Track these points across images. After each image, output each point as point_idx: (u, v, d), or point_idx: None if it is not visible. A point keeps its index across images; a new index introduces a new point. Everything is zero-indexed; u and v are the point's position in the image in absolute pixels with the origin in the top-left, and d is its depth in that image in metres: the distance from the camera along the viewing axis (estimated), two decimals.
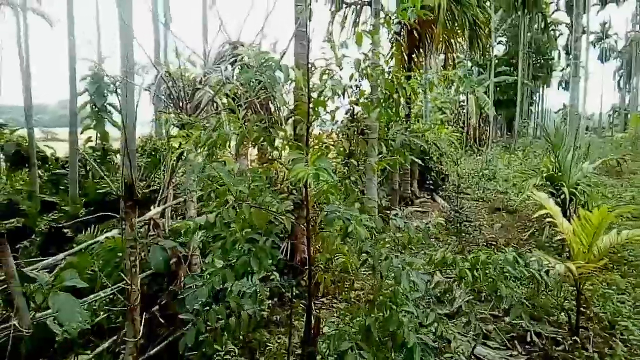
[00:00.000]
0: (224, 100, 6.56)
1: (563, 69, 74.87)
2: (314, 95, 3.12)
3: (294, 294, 7.48)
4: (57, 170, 15.22)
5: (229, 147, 3.34)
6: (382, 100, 3.21)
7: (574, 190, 10.32)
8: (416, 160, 3.74)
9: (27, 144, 15.09)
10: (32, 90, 14.75)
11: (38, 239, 11.43)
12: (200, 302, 3.16)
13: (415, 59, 15.81)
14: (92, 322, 5.08)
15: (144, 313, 5.28)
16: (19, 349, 3.93)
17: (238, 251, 2.86)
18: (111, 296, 5.73)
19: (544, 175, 10.43)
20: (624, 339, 6.36)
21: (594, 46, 72.49)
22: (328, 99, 3.66)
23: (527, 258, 3.17)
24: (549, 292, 7.85)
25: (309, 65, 3.02)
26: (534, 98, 67.49)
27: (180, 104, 6.26)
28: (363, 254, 2.98)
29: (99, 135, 17.44)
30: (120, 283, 5.29)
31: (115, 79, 13.48)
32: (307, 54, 3.11)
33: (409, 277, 2.70)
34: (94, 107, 17.17)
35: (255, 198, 2.93)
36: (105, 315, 5.19)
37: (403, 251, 3.13)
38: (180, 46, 8.14)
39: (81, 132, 16.11)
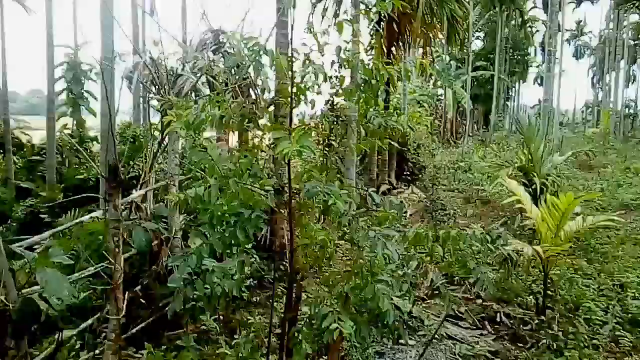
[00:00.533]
0: (206, 86, 6.67)
1: (539, 65, 76.10)
2: (298, 79, 3.27)
3: (275, 276, 7.68)
4: (33, 157, 15.06)
5: (215, 127, 3.47)
6: (360, 86, 3.37)
7: (545, 181, 10.70)
8: (393, 142, 3.94)
9: (1, 130, 14.88)
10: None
11: (14, 225, 11.35)
12: (185, 275, 3.30)
13: (395, 52, 16.05)
14: (78, 298, 5.18)
15: (126, 292, 5.41)
16: (5, 323, 4.02)
17: (225, 224, 3.01)
18: (91, 278, 5.83)
19: (517, 166, 10.79)
20: (587, 318, 6.71)
21: (569, 44, 73.98)
22: (310, 87, 3.81)
23: (494, 235, 3.39)
24: (519, 277, 8.20)
25: (292, 50, 3.17)
26: (511, 93, 68.53)
27: (163, 90, 6.35)
28: (342, 228, 3.16)
29: (75, 122, 17.28)
30: (102, 263, 5.39)
31: (93, 65, 13.40)
32: (290, 37, 3.26)
33: (384, 248, 2.89)
34: (70, 94, 17.00)
35: (242, 175, 3.08)
36: (87, 293, 5.28)
37: (379, 227, 3.32)
38: (162, 34, 8.19)
39: (57, 119, 15.96)
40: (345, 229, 3.19)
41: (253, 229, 3.03)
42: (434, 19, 14.19)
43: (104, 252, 5.33)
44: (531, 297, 7.45)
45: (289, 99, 3.16)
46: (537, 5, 57.85)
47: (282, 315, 4.35)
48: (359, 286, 3.06)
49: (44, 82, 13.22)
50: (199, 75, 6.16)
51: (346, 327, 2.70)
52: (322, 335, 2.80)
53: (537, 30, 65.14)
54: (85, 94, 17.46)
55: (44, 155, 14.41)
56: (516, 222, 11.28)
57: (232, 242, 3.01)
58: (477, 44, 52.92)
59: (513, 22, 50.72)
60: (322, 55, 3.20)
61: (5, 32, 14.78)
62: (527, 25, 57.37)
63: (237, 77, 6.82)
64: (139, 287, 5.90)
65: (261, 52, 2.99)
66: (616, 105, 54.54)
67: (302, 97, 3.60)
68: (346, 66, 3.28)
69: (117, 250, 5.04)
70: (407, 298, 3.22)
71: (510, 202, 15.06)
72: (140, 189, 6.25)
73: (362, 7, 13.70)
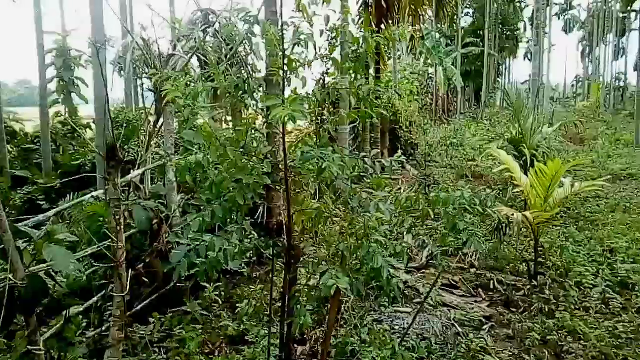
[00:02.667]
0: (198, 67, 6.74)
1: (529, 40, 75.88)
2: (288, 51, 3.37)
3: (272, 253, 7.85)
4: (27, 146, 15.05)
5: (209, 99, 3.58)
6: (349, 55, 3.48)
7: (535, 152, 10.88)
8: (383, 112, 4.06)
9: None
10: None
11: (13, 212, 11.43)
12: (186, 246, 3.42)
13: (384, 29, 16.07)
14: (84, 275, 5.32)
15: (129, 270, 5.55)
16: (14, 300, 4.15)
17: (224, 189, 3.14)
18: (93, 260, 5.96)
19: (507, 138, 10.95)
20: (578, 282, 6.94)
21: (558, 17, 73.76)
22: (300, 59, 3.91)
23: (481, 196, 3.54)
24: (511, 245, 8.42)
25: (281, 21, 3.26)
26: (501, 69, 68.53)
27: (155, 69, 6.41)
28: (336, 192, 3.30)
29: (67, 109, 17.24)
30: (104, 242, 5.52)
31: (82, 52, 13.34)
32: (280, 5, 3.35)
33: (376, 207, 3.04)
34: (61, 81, 16.93)
35: (238, 143, 3.19)
36: (90, 271, 5.43)
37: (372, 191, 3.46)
38: (151, 14, 8.18)
39: (49, 107, 15.93)
40: (338, 193, 3.33)
41: (251, 194, 3.15)
42: None
43: (105, 231, 5.46)
44: (523, 264, 7.67)
45: (280, 69, 3.27)
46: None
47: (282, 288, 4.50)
48: (353, 245, 3.21)
49: (31, 73, 13.20)
50: (189, 54, 6.23)
51: (342, 282, 2.85)
52: (320, 291, 2.95)
53: (526, 5, 64.92)
54: (76, 81, 17.39)
55: (37, 144, 14.41)
56: (508, 194, 11.49)
57: (232, 207, 3.14)
58: (466, 20, 52.69)
59: None
60: (311, 26, 3.30)
61: None
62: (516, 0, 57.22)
63: (227, 55, 6.88)
64: (141, 264, 6.03)
65: (253, 22, 3.08)
66: (605, 78, 54.80)
67: (293, 73, 3.71)
68: (335, 36, 3.38)
69: (118, 228, 5.18)
70: (400, 260, 3.37)
71: (502, 176, 15.42)
72: (137, 168, 6.35)
73: None
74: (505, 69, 71.37)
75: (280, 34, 3.16)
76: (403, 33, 3.98)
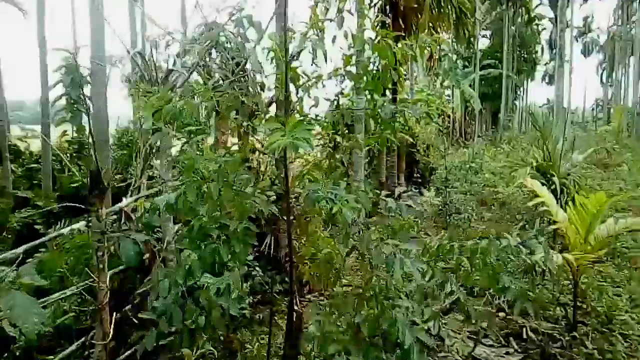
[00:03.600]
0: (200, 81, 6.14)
1: (547, 63, 75.30)
2: (295, 64, 2.76)
3: (278, 290, 7.13)
4: (32, 165, 14.62)
5: (202, 117, 2.95)
6: (368, 67, 2.85)
7: (565, 181, 10.07)
8: (405, 135, 3.40)
9: None
10: (9, 87, 14.15)
11: (10, 236, 10.89)
12: (165, 300, 2.76)
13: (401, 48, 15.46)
14: (54, 323, 4.67)
15: (115, 313, 4.89)
16: None
17: (208, 239, 2.48)
18: (83, 295, 5.33)
19: (534, 165, 10.17)
20: (624, 333, 6.09)
21: (577, 40, 72.95)
22: (309, 79, 3.30)
23: (531, 245, 2.83)
24: (544, 286, 7.58)
25: (287, 31, 2.64)
26: (518, 92, 67.72)
27: (153, 86, 5.82)
28: (350, 240, 2.62)
29: (75, 128, 16.87)
30: (87, 281, 4.88)
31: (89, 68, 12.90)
32: (284, 12, 2.73)
33: (403, 266, 2.34)
34: (69, 99, 16.59)
35: (226, 176, 2.55)
36: (69, 316, 4.76)
37: (394, 238, 2.77)
38: (156, 29, 7.66)
39: (56, 126, 15.55)
40: (354, 240, 2.65)
41: (240, 245, 2.49)
42: (441, 10, 13.58)
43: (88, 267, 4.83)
44: (559, 308, 6.83)
45: (283, 87, 2.63)
46: (543, 2, 57.05)
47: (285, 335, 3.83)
48: (373, 315, 2.51)
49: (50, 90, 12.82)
50: (191, 70, 5.63)
51: None
52: None
53: (544, 28, 64.43)
54: (85, 99, 17.06)
55: (42, 163, 13.97)
56: (535, 226, 10.65)
57: (216, 259, 2.47)
58: (483, 42, 52.17)
59: (519, 19, 50.00)
60: (322, 32, 2.67)
61: (4, 37, 14.39)
62: (534, 22, 56.66)
63: (234, 71, 6.29)
64: (129, 306, 5.36)
65: (248, 24, 2.45)
66: (627, 102, 53.54)
67: (304, 91, 3.09)
68: (352, 42, 2.74)
69: (101, 266, 4.53)
70: (428, 329, 2.66)
71: (526, 202, 14.55)
72: (130, 196, 5.73)
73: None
74: (522, 91, 70.51)
75: (284, 39, 2.52)
76: (423, 49, 3.43)
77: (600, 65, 75.20)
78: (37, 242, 4.72)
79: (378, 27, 13.70)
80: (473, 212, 12.88)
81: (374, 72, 2.98)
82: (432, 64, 17.53)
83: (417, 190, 17.61)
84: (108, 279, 4.66)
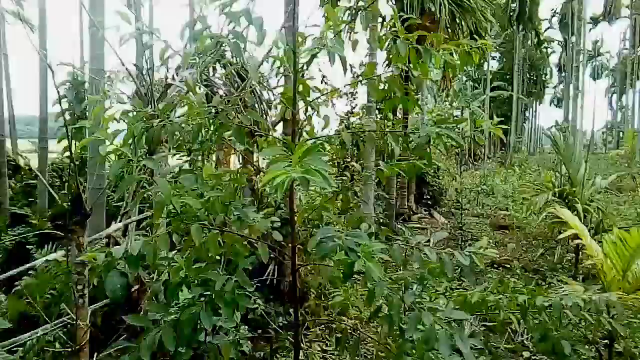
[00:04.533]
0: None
1: (555, 86, 75.05)
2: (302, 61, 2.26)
3: (282, 324, 6.54)
4: (30, 181, 14.17)
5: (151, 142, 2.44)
6: (395, 76, 2.35)
7: (588, 207, 9.48)
8: (437, 164, 2.88)
9: None
10: (21, 101, 13.83)
11: (1, 256, 10.38)
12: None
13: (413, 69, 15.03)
14: None
15: (96, 354, 4.35)
16: None
17: (188, 298, 1.96)
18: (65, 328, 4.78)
19: (556, 191, 9.59)
20: None
21: (586, 64, 72.67)
22: (322, 93, 2.79)
23: (600, 305, 2.28)
24: (572, 322, 6.94)
25: (296, 35, 2.15)
26: (527, 114, 67.37)
27: (150, 102, 5.35)
28: (376, 302, 2.07)
29: (77, 144, 16.48)
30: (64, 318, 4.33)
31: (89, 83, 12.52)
32: (293, 18, 2.24)
33: (451, 342, 1.78)
34: (73, 114, 16.23)
35: (215, 213, 2.03)
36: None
37: (421, 283, 2.23)
38: (157, 42, 7.27)
39: (58, 142, 15.13)
40: (380, 303, 2.10)
41: (230, 309, 1.95)
42: (456, 31, 13.16)
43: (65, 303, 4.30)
44: (591, 347, 6.19)
45: (292, 98, 2.12)
46: (552, 26, 56.93)
47: None
48: None
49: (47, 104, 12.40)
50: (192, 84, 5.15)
51: None
52: None
53: (553, 51, 64.34)
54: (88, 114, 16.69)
55: (38, 180, 13.50)
56: (556, 255, 10.04)
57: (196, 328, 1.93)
58: (492, 65, 51.95)
59: (529, 42, 49.78)
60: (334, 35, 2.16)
61: (15, 52, 14.10)
62: (543, 45, 56.49)
63: (236, 88, 5.83)
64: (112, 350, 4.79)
65: (247, 21, 1.95)
66: (635, 126, 52.88)
67: (313, 109, 2.59)
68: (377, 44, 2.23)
69: (81, 302, 3.99)
70: None
71: (540, 226, 13.92)
72: (120, 220, 5.21)
73: (380, 20, 12.78)
74: (531, 114, 70.13)
75: (294, 44, 2.02)
76: (465, 58, 3.03)
77: (610, 89, 74.85)
78: (4, 276, 4.18)
79: (389, 45, 13.31)
80: (489, 238, 12.23)
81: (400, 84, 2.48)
82: (445, 85, 17.03)
83: (427, 212, 17.04)
84: (89, 315, 4.14)
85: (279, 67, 2.65)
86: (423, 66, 2.29)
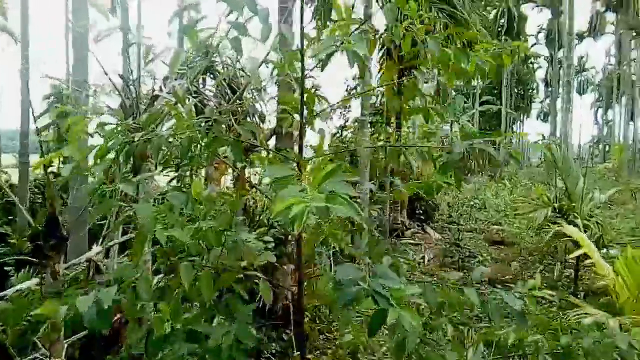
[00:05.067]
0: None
1: (542, 100, 75.90)
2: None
3: (275, 350, 6.17)
4: (11, 199, 13.66)
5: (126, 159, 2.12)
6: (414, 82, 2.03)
7: (588, 222, 9.24)
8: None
9: None
10: (5, 114, 13.36)
11: None
12: None
13: (406, 82, 14.85)
14: None
15: None
16: None
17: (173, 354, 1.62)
18: None
19: (556, 206, 9.35)
20: None
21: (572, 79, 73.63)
22: (329, 105, 2.49)
23: None
24: None
25: (303, 26, 1.85)
26: (514, 128, 67.89)
27: (135, 114, 5.00)
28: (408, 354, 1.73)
29: (62, 159, 16.01)
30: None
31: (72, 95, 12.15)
32: (301, 6, 1.93)
33: None
34: (57, 128, 15.82)
35: (210, 245, 1.70)
36: None
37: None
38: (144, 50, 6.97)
39: (40, 157, 14.68)
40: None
41: None
42: (449, 43, 12.95)
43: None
44: None
45: (299, 106, 1.80)
46: (539, 42, 57.61)
47: None
48: None
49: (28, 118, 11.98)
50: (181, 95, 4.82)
51: None
52: None
53: (540, 66, 65.15)
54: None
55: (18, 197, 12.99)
56: (556, 271, 9.77)
57: None
58: (480, 79, 52.32)
59: (517, 57, 50.21)
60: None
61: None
62: (529, 61, 57.11)
63: (226, 99, 5.53)
64: None
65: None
66: (623, 140, 53.35)
67: (316, 117, 2.28)
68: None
69: (55, 336, 3.61)
70: None
71: (535, 241, 13.68)
72: (101, 243, 4.83)
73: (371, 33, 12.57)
74: (518, 128, 70.63)
75: (301, 44, 1.72)
76: (473, 67, 2.82)
77: (595, 103, 75.82)
78: None
79: (382, 58, 13.12)
80: (485, 254, 11.97)
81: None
82: (438, 99, 16.78)
83: (420, 227, 16.75)
84: (65, 350, 3.75)
85: (278, 74, 2.35)
86: (451, 71, 1.99)
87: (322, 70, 1.86)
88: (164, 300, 1.77)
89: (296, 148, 6.44)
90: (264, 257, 1.98)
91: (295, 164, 1.79)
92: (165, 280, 1.77)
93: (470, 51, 2.69)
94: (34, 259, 4.49)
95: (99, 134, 2.12)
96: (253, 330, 2.06)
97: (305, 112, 2.30)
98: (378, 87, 9.39)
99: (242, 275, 2.04)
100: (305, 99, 2.20)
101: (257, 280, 2.80)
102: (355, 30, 3.42)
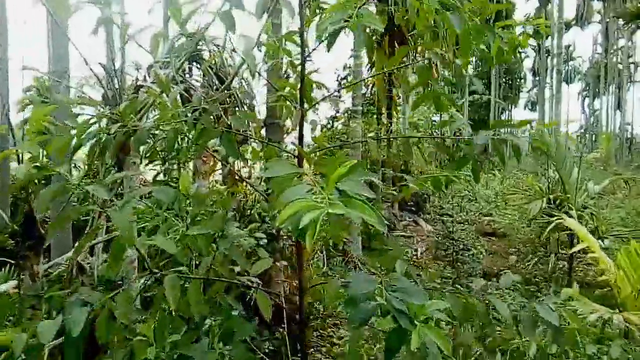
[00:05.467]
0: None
1: (529, 90, 76.22)
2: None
3: (268, 350, 5.98)
4: None
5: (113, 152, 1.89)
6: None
7: (582, 214, 9.15)
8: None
9: None
10: None
11: None
12: None
13: (395, 73, 14.66)
14: None
15: None
16: None
17: None
18: None
19: (551, 198, 9.23)
20: None
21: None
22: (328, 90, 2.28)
23: None
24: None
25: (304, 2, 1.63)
26: (503, 118, 68.12)
27: (118, 106, 4.72)
28: None
29: (45, 153, 15.61)
30: None
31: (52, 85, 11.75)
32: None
33: None
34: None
35: (200, 251, 1.49)
36: None
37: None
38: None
39: (22, 151, 14.28)
40: None
41: None
42: (440, 33, 12.76)
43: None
44: None
45: (296, 93, 1.58)
46: (526, 31, 57.70)
47: None
48: None
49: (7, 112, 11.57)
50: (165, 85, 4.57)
51: None
52: None
53: (527, 56, 65.32)
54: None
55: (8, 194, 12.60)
56: (550, 264, 9.67)
57: None
58: (469, 69, 52.29)
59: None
60: None
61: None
62: (517, 50, 57.23)
63: (218, 89, 5.28)
64: None
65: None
66: (610, 129, 53.82)
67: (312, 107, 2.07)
68: None
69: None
70: None
71: (527, 232, 13.63)
72: (83, 241, 4.57)
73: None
74: (507, 117, 70.88)
75: (301, 23, 1.50)
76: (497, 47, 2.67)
77: (582, 93, 76.31)
78: None
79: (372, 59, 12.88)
80: (482, 249, 11.84)
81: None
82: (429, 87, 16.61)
83: (411, 219, 16.65)
84: (46, 356, 3.51)
85: (270, 57, 2.13)
86: (466, 50, 1.78)
87: (328, 51, 1.65)
88: (149, 316, 1.55)
89: (288, 140, 6.15)
90: (259, 265, 1.78)
91: (295, 158, 1.59)
92: (151, 293, 1.56)
93: None
94: (11, 261, 4.23)
95: (72, 127, 1.90)
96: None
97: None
98: (377, 74, 9.12)
99: (235, 282, 1.83)
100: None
101: (250, 284, 2.61)
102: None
